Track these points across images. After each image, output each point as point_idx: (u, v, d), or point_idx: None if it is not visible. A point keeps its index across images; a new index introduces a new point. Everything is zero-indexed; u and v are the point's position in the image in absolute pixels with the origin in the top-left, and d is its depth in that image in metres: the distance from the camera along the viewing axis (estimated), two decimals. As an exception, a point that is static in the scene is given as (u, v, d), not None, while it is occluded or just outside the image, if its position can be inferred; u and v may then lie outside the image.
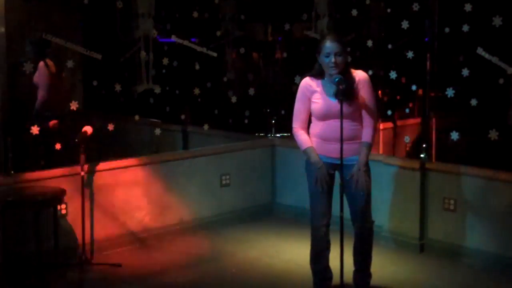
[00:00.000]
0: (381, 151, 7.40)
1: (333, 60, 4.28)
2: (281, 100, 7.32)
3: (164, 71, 6.65)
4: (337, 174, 4.49)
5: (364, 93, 4.41)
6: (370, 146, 4.45)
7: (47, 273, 5.01)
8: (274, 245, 5.94)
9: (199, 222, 6.29)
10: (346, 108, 4.27)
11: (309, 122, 4.56)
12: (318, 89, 4.43)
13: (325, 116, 4.40)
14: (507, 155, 5.79)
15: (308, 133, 4.52)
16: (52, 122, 6.16)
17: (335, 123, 4.28)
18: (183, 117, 7.20)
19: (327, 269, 4.59)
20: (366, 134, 4.44)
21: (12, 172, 5.35)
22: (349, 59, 4.53)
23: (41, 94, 6.15)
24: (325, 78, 4.41)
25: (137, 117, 6.26)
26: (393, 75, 5.86)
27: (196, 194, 6.31)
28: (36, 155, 6.03)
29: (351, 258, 4.57)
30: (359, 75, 4.43)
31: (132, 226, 5.88)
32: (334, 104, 4.28)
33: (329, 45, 4.30)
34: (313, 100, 4.44)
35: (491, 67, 5.18)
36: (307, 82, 4.48)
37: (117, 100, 6.97)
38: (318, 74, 4.44)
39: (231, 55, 7.68)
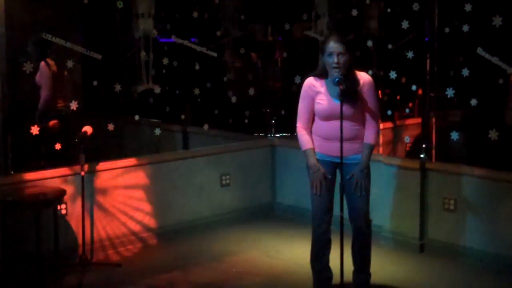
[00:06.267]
0: (381, 151, 7.39)
1: (335, 60, 4.28)
2: (281, 100, 7.31)
3: (164, 71, 6.64)
4: (338, 173, 4.49)
5: (368, 96, 4.40)
6: (372, 148, 4.47)
7: (47, 273, 5.01)
8: (274, 245, 5.94)
9: (199, 222, 6.29)
10: (348, 109, 4.28)
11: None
12: (322, 89, 4.42)
13: (328, 117, 4.40)
14: (506, 155, 5.78)
15: (311, 132, 4.53)
16: (52, 122, 6.17)
17: (337, 123, 4.27)
18: (183, 117, 7.19)
19: (327, 268, 4.59)
20: (369, 136, 4.45)
21: (12, 172, 5.34)
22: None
23: (44, 93, 6.16)
24: (329, 79, 4.40)
25: (137, 117, 6.26)
26: (393, 75, 5.86)
27: (196, 194, 6.31)
28: (36, 155, 6.03)
29: (351, 258, 4.58)
30: (364, 77, 4.42)
31: (132, 226, 5.88)
32: (338, 105, 4.25)
33: (332, 45, 4.30)
34: (317, 100, 4.44)
35: (491, 67, 5.18)
36: (311, 82, 4.48)
37: (117, 100, 6.96)
38: (322, 74, 4.44)
39: (230, 55, 7.66)
